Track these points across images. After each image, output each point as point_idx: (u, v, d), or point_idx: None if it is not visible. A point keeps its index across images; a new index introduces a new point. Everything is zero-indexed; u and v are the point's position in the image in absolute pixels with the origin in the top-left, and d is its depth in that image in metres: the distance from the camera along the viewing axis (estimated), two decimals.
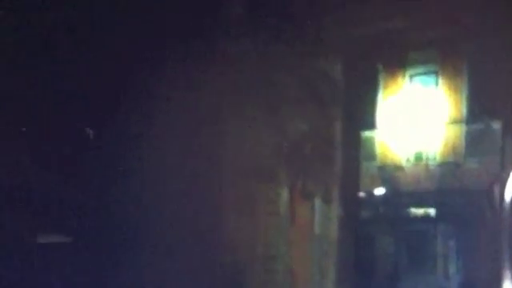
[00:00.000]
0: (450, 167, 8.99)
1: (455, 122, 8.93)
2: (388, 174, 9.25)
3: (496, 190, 8.67)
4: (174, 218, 6.32)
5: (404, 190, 9.25)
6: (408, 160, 9.22)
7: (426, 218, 9.36)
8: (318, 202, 7.10)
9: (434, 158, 9.04)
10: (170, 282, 6.26)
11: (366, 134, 8.92)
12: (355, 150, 7.95)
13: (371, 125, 8.98)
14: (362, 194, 8.80)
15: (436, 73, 9.02)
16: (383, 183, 9.25)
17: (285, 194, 6.97)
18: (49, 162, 6.24)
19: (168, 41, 6.28)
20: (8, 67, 5.99)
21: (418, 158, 9.16)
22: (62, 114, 6.24)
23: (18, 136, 6.13)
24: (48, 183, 6.22)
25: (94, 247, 6.33)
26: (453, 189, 8.97)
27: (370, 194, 9.16)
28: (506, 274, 8.53)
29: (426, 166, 9.12)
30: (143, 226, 6.28)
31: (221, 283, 6.63)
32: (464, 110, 8.92)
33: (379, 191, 9.25)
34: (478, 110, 8.76)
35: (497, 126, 8.66)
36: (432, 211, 9.33)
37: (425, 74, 9.12)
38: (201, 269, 6.41)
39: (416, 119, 8.99)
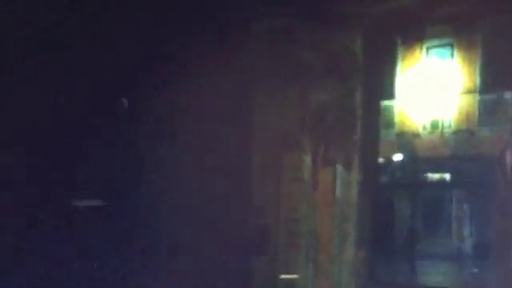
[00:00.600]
0: (464, 135, 9.02)
1: (469, 92, 8.93)
2: (406, 141, 9.32)
3: (508, 156, 8.77)
4: (204, 183, 6.36)
5: (421, 156, 9.27)
6: (425, 128, 9.27)
7: (441, 183, 9.41)
8: (339, 167, 7.20)
9: (449, 126, 9.07)
10: (199, 242, 6.33)
11: (385, 103, 8.93)
12: (375, 118, 7.88)
13: (390, 95, 9.05)
14: (381, 160, 8.72)
15: (451, 45, 9.00)
16: (401, 150, 9.32)
17: (308, 161, 7.14)
18: (87, 126, 6.27)
19: (193, 16, 6.34)
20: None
21: (434, 126, 9.20)
22: (100, 84, 6.52)
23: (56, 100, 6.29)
24: (85, 146, 6.26)
25: (128, 210, 6.36)
26: (467, 155, 9.02)
27: (389, 160, 9.23)
28: None
29: (442, 133, 9.19)
30: (175, 190, 6.31)
31: (248, 245, 6.71)
32: (478, 81, 8.93)
33: (397, 157, 9.33)
34: (491, 80, 8.81)
35: (509, 95, 8.71)
36: (447, 176, 9.39)
37: (441, 46, 9.12)
38: (229, 231, 6.48)
39: (432, 89, 9.05)
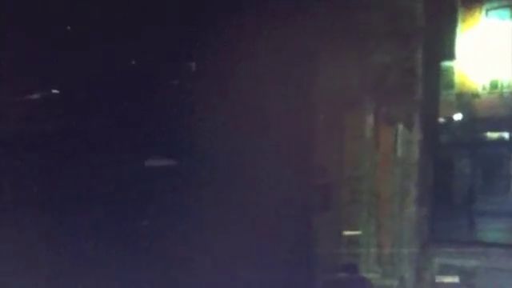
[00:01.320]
0: None
1: None
2: (465, 101, 9.38)
3: None
4: (271, 143, 6.66)
5: (480, 115, 9.31)
6: (484, 88, 9.28)
7: (500, 141, 9.44)
8: (400, 127, 7.36)
9: (509, 86, 9.13)
10: (266, 200, 6.61)
11: (445, 64, 8.95)
12: (435, 79, 7.89)
13: (450, 56, 9.01)
14: (441, 120, 8.81)
15: (511, 7, 9.15)
16: (461, 109, 9.39)
17: (370, 121, 7.37)
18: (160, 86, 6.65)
19: None
20: None
21: (494, 86, 9.17)
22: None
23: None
24: (157, 106, 6.62)
25: (197, 170, 6.73)
26: None
27: (449, 120, 9.28)
28: None
29: (501, 93, 9.21)
30: (242, 150, 6.61)
31: (312, 202, 7.08)
32: None
33: (457, 117, 9.41)
34: None
35: None
36: (506, 135, 9.44)
37: (500, 8, 9.17)
38: (294, 189, 6.84)
39: (491, 50, 9.04)
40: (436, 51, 7.78)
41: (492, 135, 9.56)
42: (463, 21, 8.94)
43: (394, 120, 7.38)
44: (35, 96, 6.54)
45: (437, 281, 7.37)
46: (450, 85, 9.03)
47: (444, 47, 8.78)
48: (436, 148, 7.93)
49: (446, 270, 7.41)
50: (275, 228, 6.69)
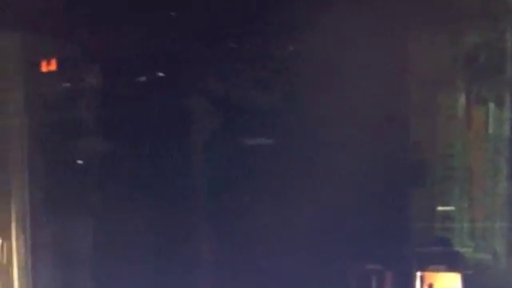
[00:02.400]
0: None
1: None
2: None
3: None
4: (367, 121, 6.99)
5: None
6: None
7: None
8: (491, 105, 7.36)
9: None
10: (359, 176, 6.99)
11: None
12: None
13: None
14: None
15: None
16: None
17: (462, 100, 7.41)
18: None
19: None
20: None
21: None
22: None
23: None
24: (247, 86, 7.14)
25: (294, 148, 7.21)
26: None
27: None
28: None
29: None
30: (338, 126, 7.00)
31: (407, 178, 7.28)
32: None
33: None
34: None
35: None
36: None
37: None
38: (389, 166, 7.12)
39: None
40: None
41: None
42: None
43: (485, 99, 7.40)
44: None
45: None
46: None
47: None
48: None
49: None
50: (371, 203, 7.06)
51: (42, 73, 7.69)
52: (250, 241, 6.98)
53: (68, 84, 7.21)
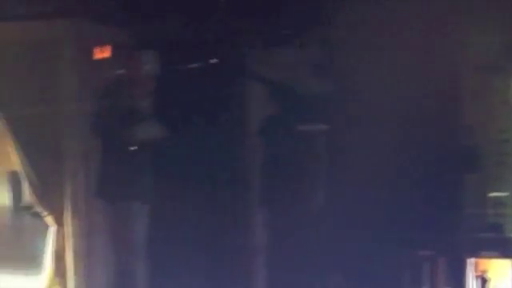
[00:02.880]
0: None
1: None
2: None
3: None
4: (421, 105, 7.05)
5: None
6: None
7: None
8: None
9: None
10: (415, 161, 7.09)
11: None
12: None
13: None
14: None
15: None
16: None
17: None
18: None
19: None
20: None
21: None
22: None
23: None
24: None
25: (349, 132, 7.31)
26: None
27: None
28: None
29: None
30: (396, 112, 7.09)
31: (460, 164, 7.38)
32: None
33: None
34: None
35: None
36: None
37: None
38: (443, 151, 7.22)
39: None
40: None
41: None
42: None
43: None
44: None
45: None
46: None
47: None
48: None
49: None
50: (424, 190, 7.14)
51: (96, 60, 7.69)
52: (305, 225, 7.01)
53: (121, 71, 7.24)
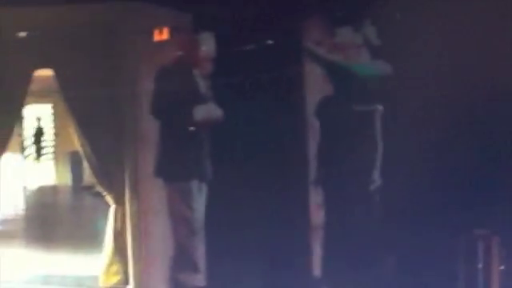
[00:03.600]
0: None
1: None
2: None
3: None
4: (477, 92, 7.04)
5: None
6: None
7: None
8: None
9: None
10: (471, 140, 7.14)
11: None
12: None
13: None
14: None
15: None
16: None
17: None
18: None
19: None
20: None
21: None
22: None
23: None
24: None
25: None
26: None
27: None
28: None
29: None
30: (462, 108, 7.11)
31: None
32: None
33: None
34: None
35: None
36: None
37: None
38: (500, 129, 7.25)
39: None
40: None
41: None
42: None
43: None
44: None
45: None
46: None
47: None
48: None
49: None
50: (480, 167, 7.15)
51: (155, 42, 7.83)
52: (362, 205, 7.07)
53: (180, 52, 7.36)
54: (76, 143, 8.70)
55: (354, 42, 7.25)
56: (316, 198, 7.68)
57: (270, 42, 7.50)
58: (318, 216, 7.67)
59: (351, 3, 7.30)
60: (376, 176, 7.16)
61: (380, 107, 7.17)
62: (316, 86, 7.72)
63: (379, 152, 7.15)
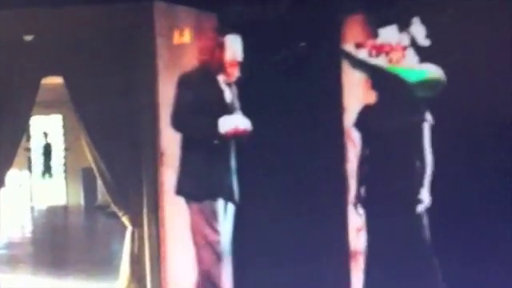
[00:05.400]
0: None
1: None
2: None
3: None
4: None
5: None
6: None
7: None
8: None
9: None
10: None
11: None
12: None
13: None
14: None
15: None
16: None
17: None
18: None
19: None
20: None
21: None
22: None
23: None
24: None
25: None
26: None
27: None
28: None
29: None
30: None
31: None
32: None
33: None
34: None
35: None
36: None
37: None
38: None
39: None
40: None
41: None
42: None
43: None
44: None
45: None
46: None
47: None
48: None
49: None
50: None
51: (175, 45, 7.79)
52: (418, 229, 7.10)
53: (204, 57, 7.31)
54: (89, 158, 8.62)
55: (400, 44, 7.19)
56: (355, 220, 7.53)
57: (302, 44, 7.39)
58: (357, 241, 7.56)
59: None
60: (424, 195, 7.07)
61: (429, 117, 7.15)
62: (356, 94, 7.61)
63: (428, 168, 7.09)
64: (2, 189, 8.57)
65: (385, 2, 7.25)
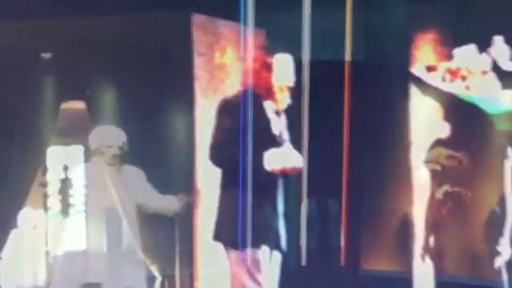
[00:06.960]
0: None
1: None
2: None
3: None
4: None
5: None
6: None
7: None
8: None
9: None
10: None
11: None
12: None
13: None
14: None
15: None
16: None
17: None
18: None
19: None
20: None
21: None
22: None
23: None
24: None
25: None
26: None
27: None
28: None
29: None
30: None
31: None
32: None
33: None
34: None
35: None
36: None
37: None
38: None
39: None
40: None
41: None
42: None
43: None
44: None
45: None
46: None
47: None
48: None
49: None
50: None
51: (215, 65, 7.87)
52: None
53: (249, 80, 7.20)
54: (113, 196, 8.57)
55: (479, 67, 7.07)
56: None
57: (363, 65, 7.28)
58: None
59: (475, 14, 7.05)
60: (505, 247, 6.99)
61: None
62: (426, 126, 7.47)
63: (510, 215, 6.94)
64: (14, 230, 8.51)
65: (462, 16, 7.06)
